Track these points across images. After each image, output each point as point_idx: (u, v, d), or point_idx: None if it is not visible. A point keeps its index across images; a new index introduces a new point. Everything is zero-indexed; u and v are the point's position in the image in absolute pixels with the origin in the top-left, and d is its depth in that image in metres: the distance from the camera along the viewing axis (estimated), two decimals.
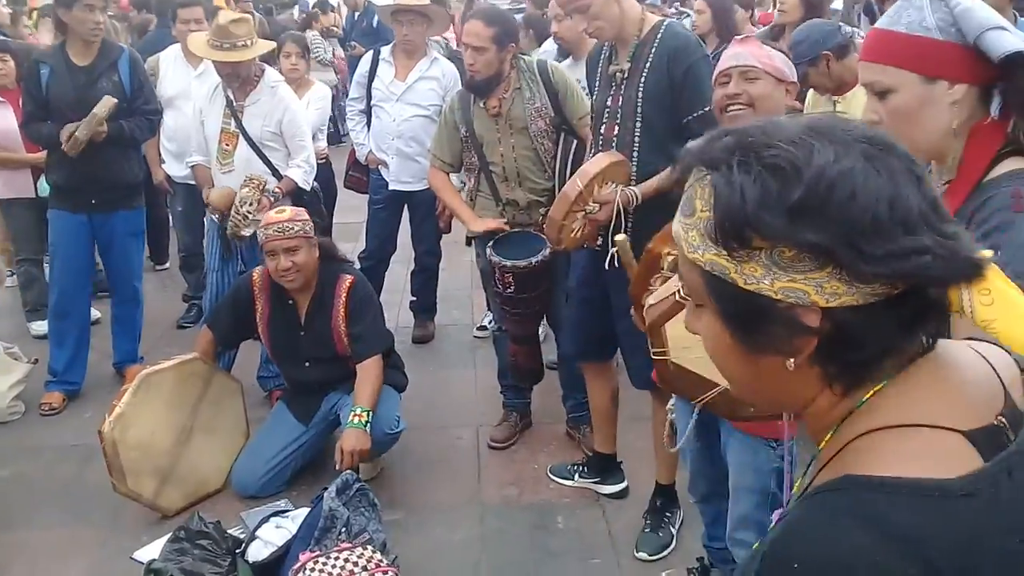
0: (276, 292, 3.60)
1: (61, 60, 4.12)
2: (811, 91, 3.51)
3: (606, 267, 2.89)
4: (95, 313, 5.01)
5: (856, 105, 3.14)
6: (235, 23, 3.91)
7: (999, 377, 0.86)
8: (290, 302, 3.59)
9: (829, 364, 0.84)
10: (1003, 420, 0.82)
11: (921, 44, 1.42)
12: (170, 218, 5.92)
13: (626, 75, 2.96)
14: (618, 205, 2.87)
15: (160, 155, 5.22)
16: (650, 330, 1.55)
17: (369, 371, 3.44)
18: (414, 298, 5.11)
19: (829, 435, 0.87)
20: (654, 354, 2.00)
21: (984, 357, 0.89)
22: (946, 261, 0.78)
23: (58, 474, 3.78)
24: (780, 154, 0.79)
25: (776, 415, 1.66)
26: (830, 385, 0.86)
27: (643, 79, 2.92)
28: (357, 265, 4.88)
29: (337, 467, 3.20)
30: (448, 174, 3.78)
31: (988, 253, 0.82)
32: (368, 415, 3.32)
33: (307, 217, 3.54)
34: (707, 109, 2.82)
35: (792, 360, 0.83)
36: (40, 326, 4.82)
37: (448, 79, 4.60)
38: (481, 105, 3.56)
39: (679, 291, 1.46)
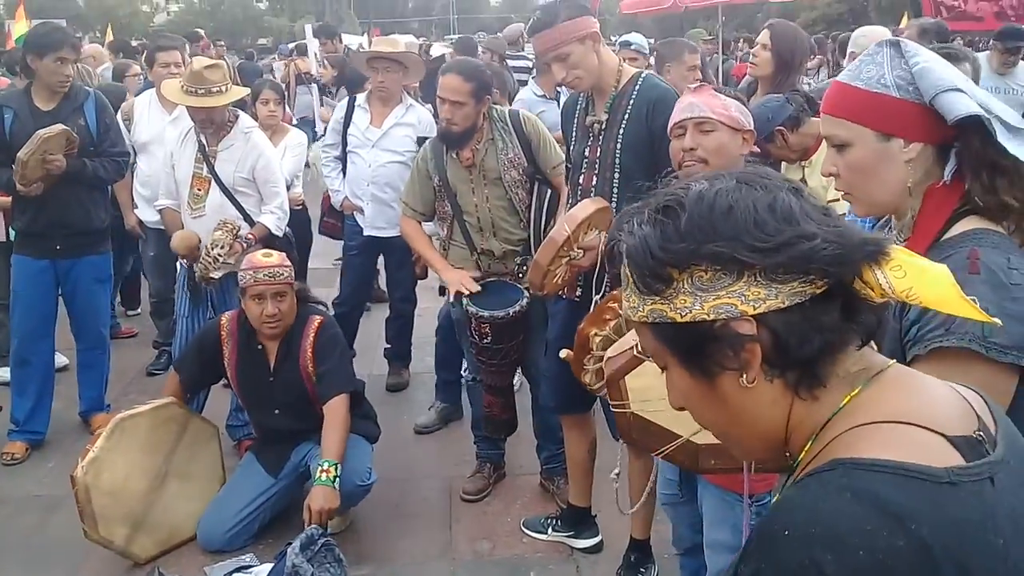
0: (245, 337, 3.55)
1: (25, 104, 4.09)
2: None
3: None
4: (62, 360, 4.92)
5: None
6: (209, 69, 3.91)
7: (969, 403, 0.92)
8: (259, 347, 3.54)
9: (785, 371, 0.90)
10: (980, 434, 0.87)
11: (879, 101, 1.43)
12: (141, 263, 5.86)
13: (604, 126, 2.96)
14: (601, 252, 2.86)
15: (133, 199, 5.18)
16: (608, 384, 1.54)
17: (335, 415, 3.37)
18: (388, 345, 5.07)
19: (808, 444, 0.91)
20: (613, 407, 1.98)
21: (952, 387, 0.94)
22: (837, 243, 0.86)
23: (20, 525, 3.69)
24: (667, 199, 0.91)
25: (738, 467, 1.65)
26: (796, 392, 0.91)
27: (622, 130, 2.92)
28: (331, 312, 4.85)
29: (305, 526, 3.11)
30: (420, 222, 3.76)
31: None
32: (336, 469, 3.25)
33: (290, 264, 3.52)
34: None
35: (745, 376, 0.89)
36: (5, 372, 4.72)
37: (423, 126, 4.61)
38: (454, 156, 3.55)
39: (636, 345, 1.45)
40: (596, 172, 2.99)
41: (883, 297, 0.87)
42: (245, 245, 4.00)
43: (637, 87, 2.94)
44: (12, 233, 4.45)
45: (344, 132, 4.75)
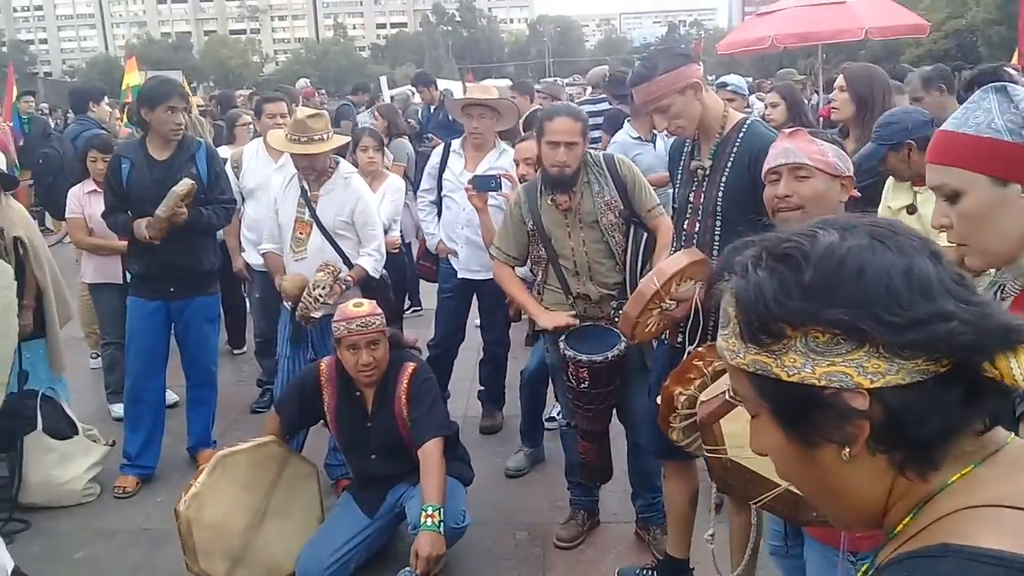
0: (344, 384, 3.62)
1: (141, 155, 4.32)
2: (891, 178, 3.44)
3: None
4: (172, 396, 5.13)
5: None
6: (312, 118, 4.07)
7: None
8: (357, 394, 3.61)
9: (894, 450, 0.84)
10: None
11: (990, 146, 1.38)
12: (247, 304, 6.08)
13: (707, 172, 2.93)
14: (696, 303, 2.84)
15: (240, 244, 5.39)
16: (702, 428, 1.50)
17: (430, 459, 3.39)
18: (482, 387, 5.09)
19: (908, 518, 0.85)
20: (708, 452, 1.93)
21: None
22: (975, 327, 0.79)
23: (128, 558, 3.82)
24: (788, 246, 0.84)
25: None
26: (902, 471, 0.85)
27: (724, 177, 2.88)
28: (425, 354, 4.91)
29: (414, 570, 3.14)
30: (512, 267, 3.78)
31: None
32: (440, 514, 3.25)
33: (381, 312, 3.58)
34: None
35: (848, 450, 0.83)
36: (120, 409, 4.94)
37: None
38: (549, 201, 3.57)
39: (728, 390, 1.41)
40: (699, 218, 2.96)
41: (1013, 384, 0.81)
42: (344, 287, 4.11)
43: (742, 134, 2.89)
44: (128, 276, 4.69)
45: (439, 177, 4.84)
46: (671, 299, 2.81)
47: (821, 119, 5.88)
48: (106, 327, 5.35)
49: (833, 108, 4.11)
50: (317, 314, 4.02)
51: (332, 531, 3.60)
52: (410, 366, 3.60)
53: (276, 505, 3.61)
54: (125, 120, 6.89)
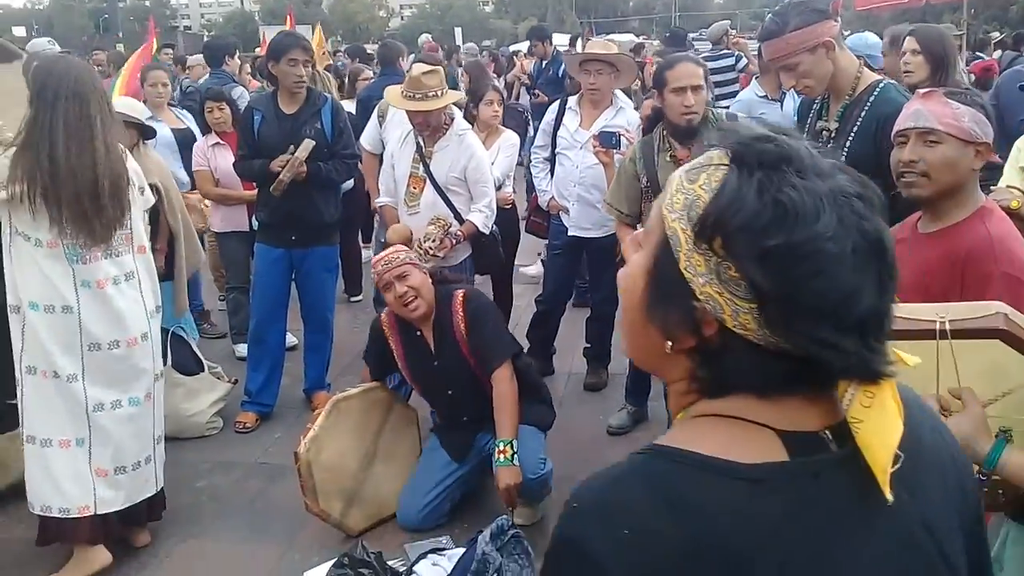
0: (404, 328, 3.71)
1: (271, 108, 4.50)
2: None
3: None
4: (292, 339, 5.36)
5: None
6: (427, 75, 4.11)
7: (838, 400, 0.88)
8: (418, 333, 3.69)
9: (699, 367, 0.88)
10: (828, 433, 0.85)
11: None
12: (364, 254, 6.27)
13: (832, 135, 2.81)
14: None
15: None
16: None
17: (499, 390, 3.48)
18: (588, 345, 5.11)
19: (681, 415, 0.92)
20: None
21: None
22: (851, 365, 0.82)
23: (246, 489, 4.05)
24: (794, 197, 0.81)
25: None
26: (691, 379, 0.89)
27: (849, 142, 2.75)
28: (534, 308, 4.97)
29: (509, 511, 3.29)
30: (633, 226, 3.76)
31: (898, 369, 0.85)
32: (512, 447, 3.38)
33: (407, 250, 3.70)
34: None
35: (670, 345, 0.87)
36: (243, 349, 5.21)
37: (633, 128, 4.60)
38: (668, 157, 3.52)
39: (943, 322, 1.31)
40: None
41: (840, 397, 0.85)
42: (455, 241, 4.19)
43: (872, 97, 2.75)
44: (255, 223, 4.92)
45: (554, 134, 4.84)
46: None
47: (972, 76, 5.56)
48: (231, 272, 5.63)
49: (907, 72, 3.92)
50: (427, 266, 4.12)
51: (423, 475, 3.73)
52: (459, 294, 3.66)
53: (384, 448, 3.77)
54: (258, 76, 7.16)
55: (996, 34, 10.01)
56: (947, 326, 1.25)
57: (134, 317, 3.27)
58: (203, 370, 4.61)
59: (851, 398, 0.83)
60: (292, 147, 4.34)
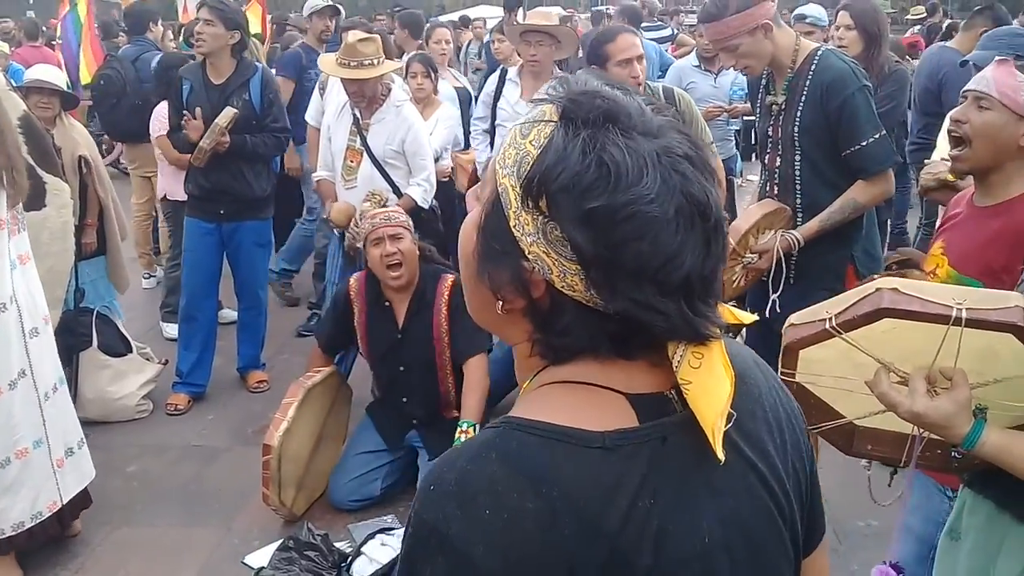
0: (373, 295, 3.64)
1: (200, 77, 4.36)
2: None
3: (767, 315, 2.81)
4: (232, 315, 5.17)
5: None
6: (363, 42, 3.98)
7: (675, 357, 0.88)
8: (387, 304, 3.62)
9: (536, 330, 0.87)
10: (673, 392, 0.85)
11: None
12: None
13: (782, 107, 2.87)
14: (778, 251, 2.81)
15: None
16: (785, 351, 1.45)
17: (473, 376, 3.45)
18: None
19: (527, 383, 0.91)
20: (781, 375, 1.90)
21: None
22: (674, 326, 0.82)
23: (179, 473, 3.93)
24: (617, 157, 0.79)
25: (895, 457, 1.61)
26: (532, 343, 0.88)
27: (799, 112, 2.82)
28: None
29: None
30: None
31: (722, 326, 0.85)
32: (475, 430, 3.32)
33: (405, 213, 3.66)
34: (865, 143, 2.75)
35: (500, 305, 0.86)
36: (173, 329, 5.04)
37: None
38: None
39: (830, 319, 1.36)
40: (779, 153, 2.91)
41: (670, 362, 0.84)
42: None
43: (813, 67, 2.80)
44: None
45: (494, 106, 4.76)
46: (752, 252, 2.77)
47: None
48: (178, 247, 5.36)
49: (841, 46, 3.98)
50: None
51: (355, 453, 3.67)
52: (449, 277, 3.61)
53: (328, 430, 3.70)
54: (181, 42, 6.83)
55: (921, 8, 10.25)
56: (963, 314, 1.25)
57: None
58: (131, 351, 4.44)
59: (680, 359, 0.83)
60: None
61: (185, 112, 4.26)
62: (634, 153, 0.80)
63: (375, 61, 4.00)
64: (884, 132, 2.83)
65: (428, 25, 6.52)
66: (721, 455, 0.81)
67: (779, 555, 0.91)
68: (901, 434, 1.54)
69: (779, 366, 1.71)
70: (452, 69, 6.24)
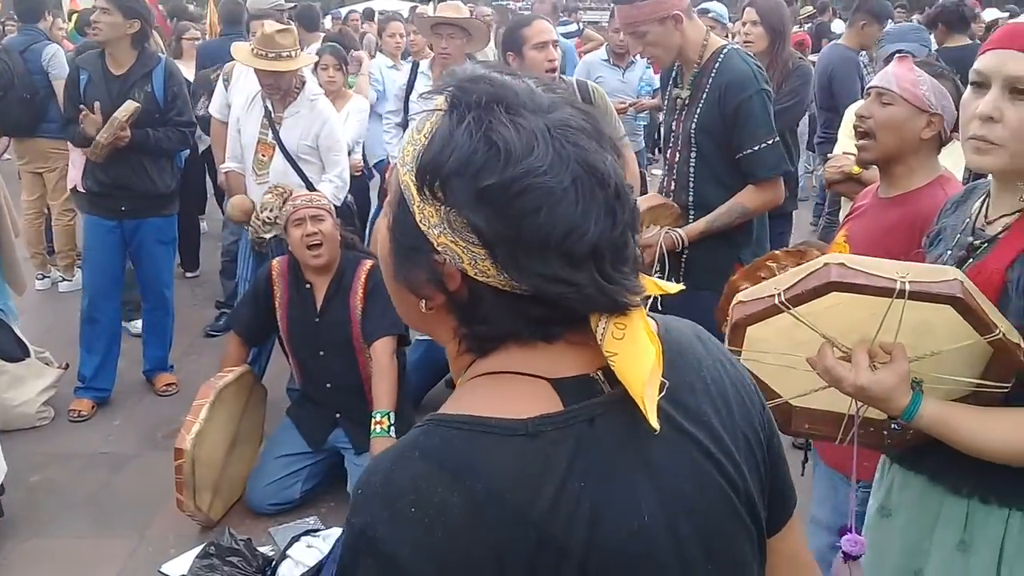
0: (294, 277, 3.61)
1: (99, 67, 4.16)
2: None
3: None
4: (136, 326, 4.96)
5: None
6: (281, 33, 3.89)
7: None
8: (307, 285, 3.58)
9: (460, 324, 0.87)
10: (600, 374, 0.85)
11: None
12: (202, 226, 5.92)
13: (686, 103, 2.89)
14: (662, 248, 2.83)
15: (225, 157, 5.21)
16: (733, 329, 1.47)
17: (381, 361, 3.42)
18: None
19: (461, 380, 0.90)
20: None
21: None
22: (589, 297, 0.81)
23: (86, 481, 3.76)
24: (505, 134, 0.80)
25: (830, 436, 1.64)
26: (459, 339, 0.89)
27: (698, 109, 2.84)
28: None
29: None
30: None
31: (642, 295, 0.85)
32: (390, 418, 3.30)
33: (327, 198, 3.69)
34: (757, 148, 2.78)
35: (423, 304, 0.87)
36: (137, 325, 4.80)
37: None
38: None
39: (779, 295, 1.39)
40: (678, 148, 2.94)
41: (593, 336, 0.84)
42: None
43: (717, 66, 2.83)
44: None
45: (406, 99, 4.72)
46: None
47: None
48: None
49: (748, 42, 4.13)
50: (268, 235, 3.95)
51: (274, 456, 3.59)
52: (368, 262, 3.60)
53: (243, 432, 3.60)
54: (72, 30, 6.50)
55: (809, 8, 10.61)
56: (907, 287, 1.29)
57: None
58: (28, 355, 4.22)
59: (604, 332, 0.83)
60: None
61: (83, 105, 4.07)
62: (523, 129, 0.80)
63: (292, 53, 3.92)
64: (777, 139, 2.85)
65: (381, 18, 6.42)
66: (655, 423, 0.80)
67: (735, 531, 0.90)
68: (835, 413, 1.60)
69: (725, 344, 1.75)
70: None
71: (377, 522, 0.79)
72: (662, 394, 0.82)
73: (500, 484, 0.78)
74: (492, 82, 0.84)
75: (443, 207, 0.82)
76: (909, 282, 1.30)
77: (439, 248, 0.82)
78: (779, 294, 1.38)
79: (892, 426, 1.49)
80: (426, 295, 0.86)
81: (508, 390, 0.84)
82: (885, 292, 1.32)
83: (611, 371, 0.84)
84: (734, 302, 1.48)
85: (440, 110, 0.84)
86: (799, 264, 2.38)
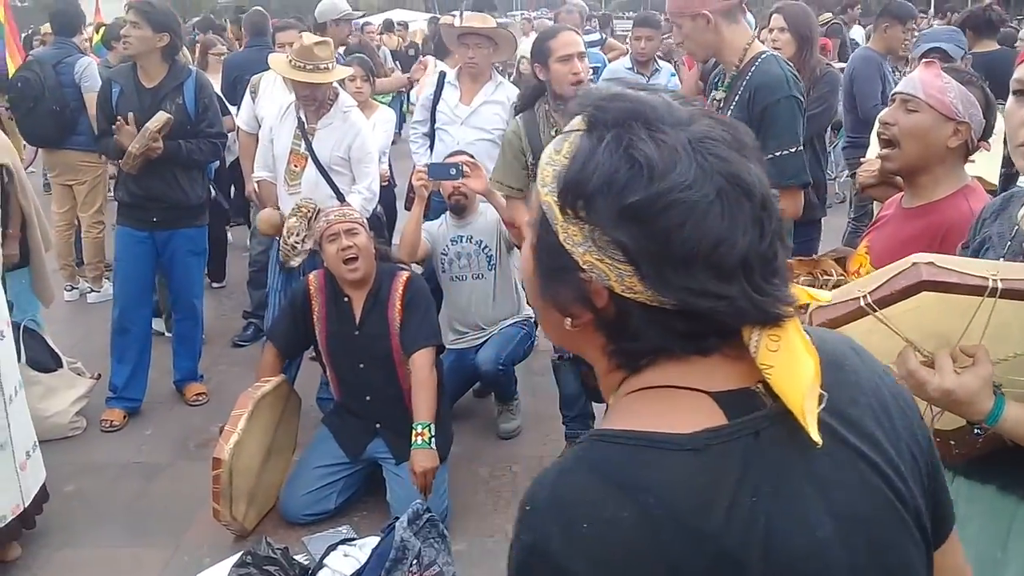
0: (332, 291, 3.60)
1: (131, 80, 4.21)
2: None
3: None
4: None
5: None
6: (319, 45, 3.92)
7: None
8: (345, 299, 3.58)
9: (609, 341, 0.87)
10: (760, 387, 0.84)
11: None
12: (228, 237, 5.95)
13: (721, 105, 2.90)
14: None
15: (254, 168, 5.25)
16: None
17: (420, 373, 3.41)
18: None
19: (612, 398, 0.90)
20: None
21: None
22: (741, 309, 0.81)
23: (120, 491, 3.78)
24: (646, 150, 0.80)
25: None
26: (608, 356, 0.89)
27: (730, 111, 2.84)
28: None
29: (420, 493, 3.22)
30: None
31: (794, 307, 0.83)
32: (430, 430, 3.30)
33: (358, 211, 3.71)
34: (780, 154, 2.74)
35: (569, 321, 0.87)
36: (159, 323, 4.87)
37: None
38: (554, 133, 3.51)
39: (864, 296, 1.34)
40: None
41: (747, 345, 0.83)
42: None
43: (753, 68, 2.82)
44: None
45: (433, 109, 4.73)
46: None
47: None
48: None
49: (776, 48, 4.11)
50: (295, 262, 3.95)
51: (310, 466, 3.59)
52: (404, 274, 3.61)
53: (278, 442, 3.60)
54: (97, 39, 6.54)
55: (828, 14, 10.58)
56: (999, 284, 1.27)
57: None
58: (61, 366, 4.24)
59: (757, 344, 0.82)
60: None
61: (118, 117, 4.11)
62: (664, 144, 0.80)
63: (330, 65, 3.95)
64: (801, 149, 2.82)
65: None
66: (816, 437, 0.79)
67: (906, 545, 0.88)
68: None
69: None
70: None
71: (550, 537, 0.78)
72: (822, 406, 0.81)
73: (672, 498, 0.78)
74: (629, 99, 0.84)
75: (587, 226, 0.82)
76: (1001, 280, 1.28)
77: (585, 266, 0.83)
78: (864, 295, 1.35)
79: (975, 431, 1.46)
80: (573, 313, 0.86)
81: (668, 404, 0.84)
82: (977, 291, 1.29)
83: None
84: (813, 307, 1.45)
85: (579, 130, 0.85)
86: (812, 273, 2.34)
